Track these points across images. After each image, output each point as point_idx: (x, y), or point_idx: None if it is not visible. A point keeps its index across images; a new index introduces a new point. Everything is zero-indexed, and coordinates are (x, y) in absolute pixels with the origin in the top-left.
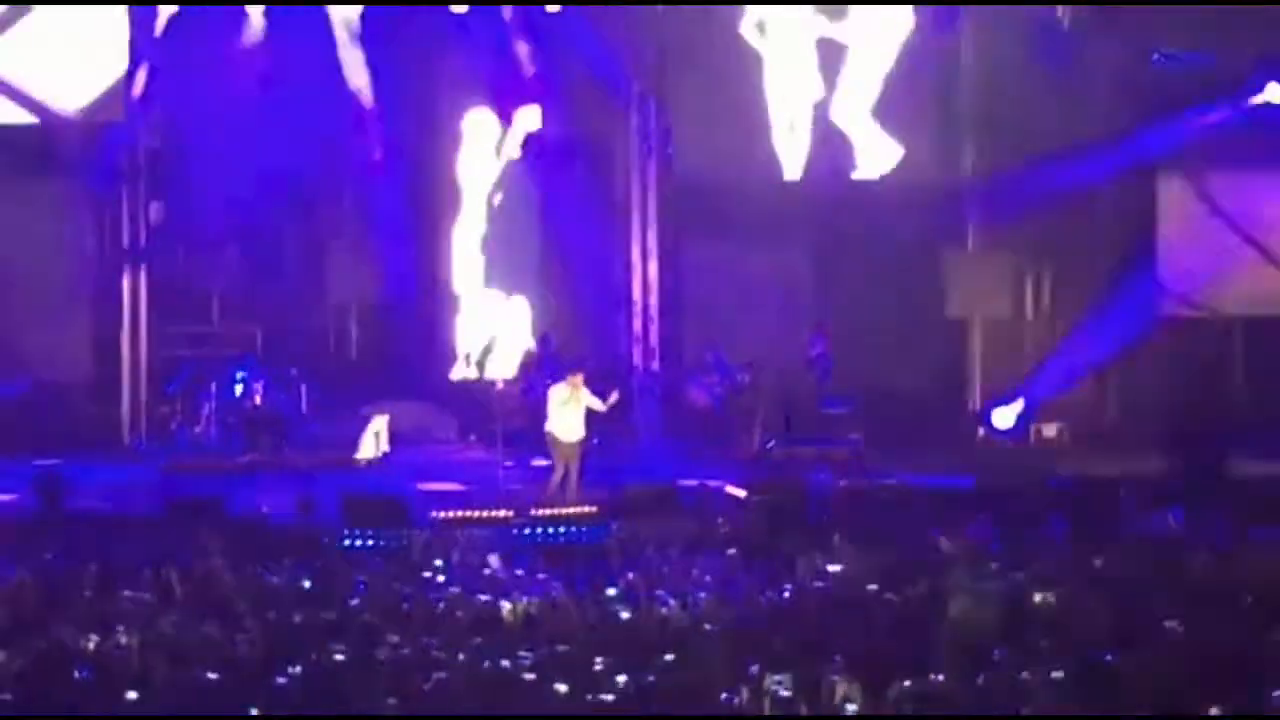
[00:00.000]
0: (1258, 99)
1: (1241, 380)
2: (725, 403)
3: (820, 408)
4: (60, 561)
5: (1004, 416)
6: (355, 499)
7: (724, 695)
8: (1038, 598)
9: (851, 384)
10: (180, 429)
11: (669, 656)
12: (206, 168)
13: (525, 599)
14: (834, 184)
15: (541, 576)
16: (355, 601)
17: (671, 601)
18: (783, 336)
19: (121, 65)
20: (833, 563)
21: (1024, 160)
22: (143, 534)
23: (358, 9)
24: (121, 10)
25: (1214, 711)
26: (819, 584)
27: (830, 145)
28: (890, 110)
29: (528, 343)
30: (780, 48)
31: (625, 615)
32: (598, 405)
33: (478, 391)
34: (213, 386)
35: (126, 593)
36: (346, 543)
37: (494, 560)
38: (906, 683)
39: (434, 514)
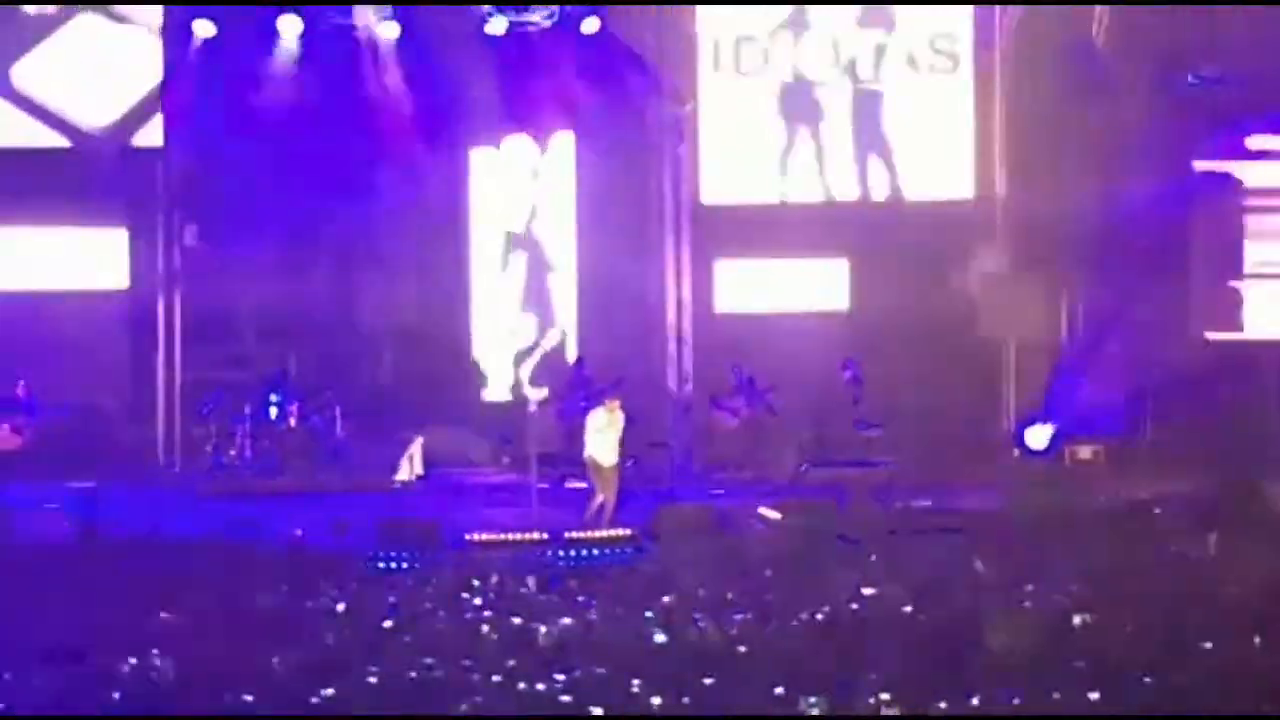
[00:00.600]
0: None
1: (1277, 404)
2: (751, 424)
3: (854, 430)
4: (96, 584)
5: (1038, 437)
6: (390, 522)
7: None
8: (1076, 620)
9: (885, 405)
10: (215, 452)
11: (706, 679)
12: (240, 191)
13: (560, 621)
14: (868, 205)
15: (578, 599)
16: (389, 624)
17: (707, 624)
18: (816, 359)
19: (154, 88)
20: (868, 584)
21: (1059, 180)
22: (178, 557)
23: (394, 30)
24: (154, 33)
25: None
26: (854, 606)
27: (865, 167)
28: (924, 131)
29: (563, 366)
30: (814, 66)
31: (661, 638)
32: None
33: (512, 415)
34: (246, 409)
35: (163, 615)
36: (381, 565)
37: (530, 582)
38: (943, 704)
39: (468, 536)
